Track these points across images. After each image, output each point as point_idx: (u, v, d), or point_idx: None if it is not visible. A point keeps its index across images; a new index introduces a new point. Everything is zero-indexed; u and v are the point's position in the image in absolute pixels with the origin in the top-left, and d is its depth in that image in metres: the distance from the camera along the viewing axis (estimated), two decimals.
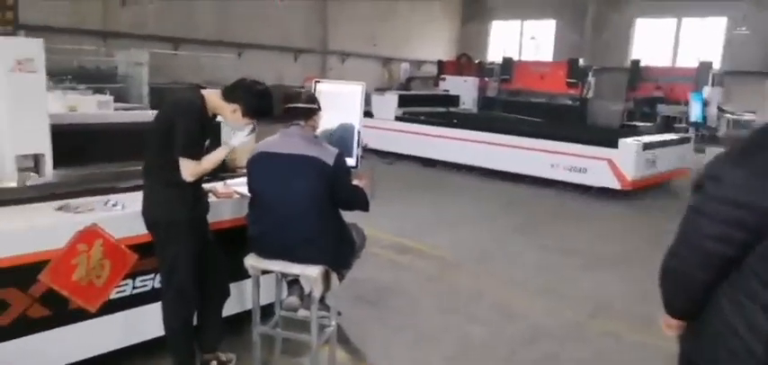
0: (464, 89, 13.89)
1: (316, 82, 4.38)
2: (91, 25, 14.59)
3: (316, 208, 3.21)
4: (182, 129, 2.89)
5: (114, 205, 3.30)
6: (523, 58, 22.99)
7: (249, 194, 3.55)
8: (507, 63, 21.23)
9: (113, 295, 3.26)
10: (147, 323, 3.41)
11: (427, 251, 6.06)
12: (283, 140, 3.28)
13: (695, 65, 18.10)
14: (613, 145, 8.85)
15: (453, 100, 12.94)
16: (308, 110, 3.35)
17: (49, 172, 3.46)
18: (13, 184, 3.36)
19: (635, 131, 12.70)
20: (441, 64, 23.09)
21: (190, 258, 3.09)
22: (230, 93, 3.08)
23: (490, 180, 10.08)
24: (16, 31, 4.09)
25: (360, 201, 3.42)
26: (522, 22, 24.33)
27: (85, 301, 3.16)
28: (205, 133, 3.06)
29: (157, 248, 3.14)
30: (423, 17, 23.69)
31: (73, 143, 3.76)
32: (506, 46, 24.40)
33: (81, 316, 3.15)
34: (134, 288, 3.36)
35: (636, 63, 19.42)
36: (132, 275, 3.33)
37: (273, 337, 3.65)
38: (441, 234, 6.73)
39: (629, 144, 8.83)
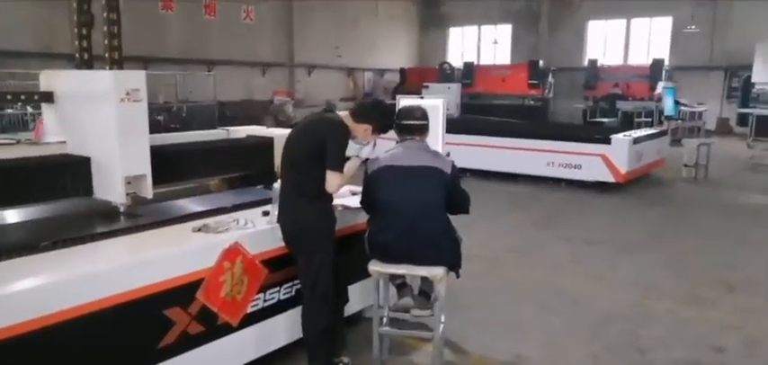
0: (447, 95, 14.35)
1: (398, 97, 4.62)
2: (60, 49, 14.20)
3: (438, 213, 3.50)
4: (335, 146, 3.16)
5: (245, 223, 3.48)
6: (482, 62, 23.80)
7: (356, 205, 3.82)
8: (469, 68, 21.94)
9: (249, 309, 3.44)
10: (276, 333, 3.62)
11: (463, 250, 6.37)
12: (405, 153, 3.54)
13: (647, 62, 19.24)
14: (606, 141, 9.45)
15: None
16: (423, 126, 3.63)
17: (149, 191, 3.56)
18: (123, 202, 3.47)
19: (603, 127, 13.50)
20: (403, 71, 23.60)
21: (331, 265, 3.32)
22: (362, 115, 3.39)
23: (486, 181, 10.51)
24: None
25: (466, 205, 3.73)
26: (479, 27, 25.09)
27: (230, 316, 3.32)
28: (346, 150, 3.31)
29: (301, 257, 3.35)
30: (383, 27, 24.10)
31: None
32: (464, 51, 25.14)
33: (226, 330, 3.31)
34: (265, 301, 3.54)
35: (593, 62, 20.42)
36: (263, 289, 3.51)
37: (381, 338, 3.87)
38: (465, 234, 7.04)
39: (621, 140, 9.45)
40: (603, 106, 18.82)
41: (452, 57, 25.31)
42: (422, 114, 3.66)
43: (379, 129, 3.44)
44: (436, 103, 4.42)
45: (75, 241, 3.05)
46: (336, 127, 3.28)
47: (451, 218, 3.66)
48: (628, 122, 16.54)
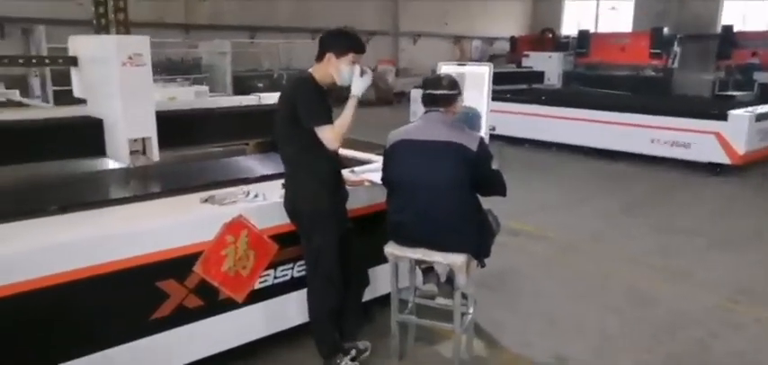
0: (549, 65, 13.46)
1: (440, 64, 4.25)
2: (173, 19, 15.03)
3: (459, 194, 3.12)
4: (303, 101, 2.91)
5: (256, 196, 3.32)
6: (600, 30, 22.11)
7: (380, 182, 3.52)
8: (583, 36, 20.41)
9: (257, 285, 3.30)
10: (288, 311, 3.46)
11: (535, 232, 5.88)
12: (425, 126, 3.19)
13: None
14: (722, 117, 8.32)
15: (538, 76, 12.55)
16: (449, 96, 3.24)
17: (155, 153, 3.65)
18: (127, 164, 3.58)
19: (734, 101, 11.96)
20: (513, 40, 22.55)
21: (334, 245, 3.08)
22: (319, 51, 3.06)
23: (581, 157, 9.73)
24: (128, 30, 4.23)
25: (499, 187, 3.31)
26: None
27: (233, 291, 3.20)
28: (326, 100, 3.02)
29: (303, 237, 3.14)
30: None
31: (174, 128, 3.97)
32: (581, 19, 23.51)
33: (230, 306, 3.20)
34: (275, 278, 3.38)
35: (728, 28, 18.22)
36: (273, 265, 3.35)
37: (406, 325, 3.60)
38: (544, 214, 6.52)
39: (740, 116, 8.28)
40: (738, 78, 16.76)
41: (568, 25, 23.81)
42: (448, 83, 3.26)
43: (340, 49, 3.00)
44: (482, 70, 4.01)
45: (82, 206, 3.06)
46: (299, 84, 3.01)
47: (489, 200, 3.29)
48: (766, 96, 14.61)
